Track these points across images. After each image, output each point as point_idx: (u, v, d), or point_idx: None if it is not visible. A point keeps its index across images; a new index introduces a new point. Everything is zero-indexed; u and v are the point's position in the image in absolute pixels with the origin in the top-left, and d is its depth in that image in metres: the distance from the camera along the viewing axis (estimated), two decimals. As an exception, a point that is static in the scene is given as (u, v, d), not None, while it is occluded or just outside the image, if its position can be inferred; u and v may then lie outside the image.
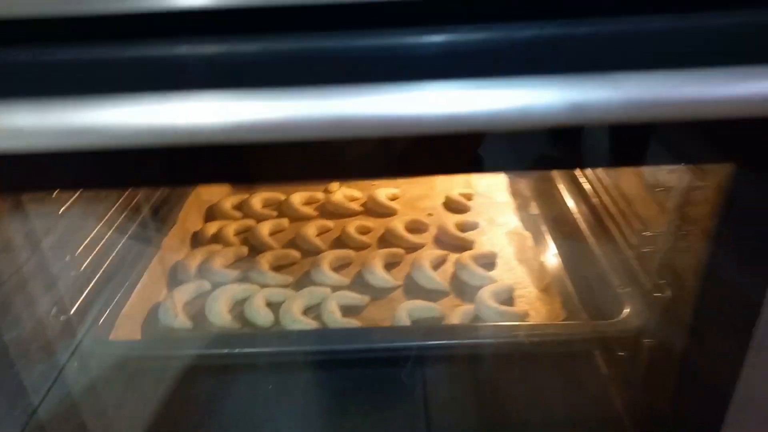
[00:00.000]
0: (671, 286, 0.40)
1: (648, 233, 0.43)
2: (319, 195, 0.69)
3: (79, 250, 0.48)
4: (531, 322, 0.48)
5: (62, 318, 0.44)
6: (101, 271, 0.51)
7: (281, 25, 0.25)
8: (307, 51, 0.25)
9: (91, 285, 0.48)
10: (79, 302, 0.46)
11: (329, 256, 0.57)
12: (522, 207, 0.65)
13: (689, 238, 0.37)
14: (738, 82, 0.23)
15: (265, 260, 0.57)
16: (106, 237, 0.52)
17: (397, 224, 0.61)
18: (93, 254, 0.49)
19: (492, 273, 0.55)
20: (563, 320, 0.47)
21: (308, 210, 0.66)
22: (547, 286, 0.52)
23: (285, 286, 0.55)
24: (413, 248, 0.59)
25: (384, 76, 0.24)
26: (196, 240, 0.62)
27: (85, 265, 0.48)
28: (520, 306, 0.51)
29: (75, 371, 0.45)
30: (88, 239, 0.49)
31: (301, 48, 0.25)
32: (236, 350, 0.44)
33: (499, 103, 0.23)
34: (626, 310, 0.43)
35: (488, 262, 0.57)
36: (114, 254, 0.53)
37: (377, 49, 0.24)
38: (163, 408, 0.45)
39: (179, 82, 0.24)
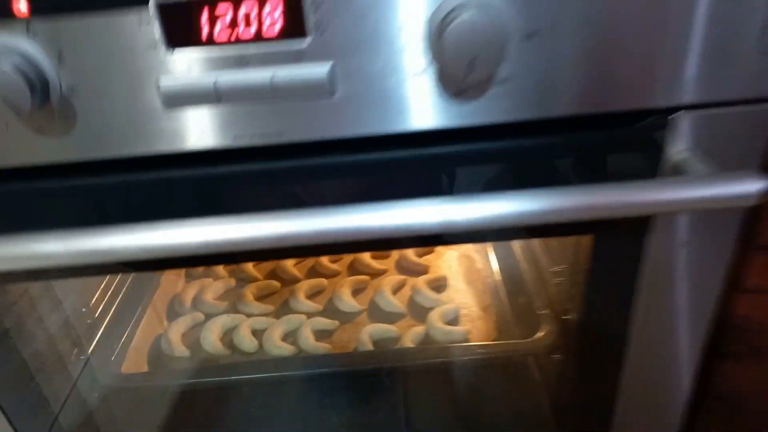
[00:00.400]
0: (573, 311, 0.50)
1: (556, 268, 0.53)
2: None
3: (93, 300, 0.57)
4: (470, 341, 0.58)
5: (82, 357, 0.54)
6: (111, 311, 0.60)
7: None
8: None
9: (103, 326, 0.58)
10: (93, 344, 0.56)
11: (304, 286, 0.66)
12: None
13: (579, 275, 0.47)
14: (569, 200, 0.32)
15: (249, 291, 0.66)
16: (115, 283, 0.62)
17: (364, 252, 0.71)
18: (104, 301, 0.59)
19: (443, 295, 0.64)
20: (495, 338, 0.57)
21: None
22: (487, 306, 0.62)
23: (267, 315, 0.64)
24: (377, 274, 0.69)
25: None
26: (190, 274, 0.72)
27: (98, 312, 0.57)
28: (464, 325, 0.61)
29: (88, 391, 0.55)
30: (100, 289, 0.58)
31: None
32: (227, 377, 0.54)
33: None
34: (541, 331, 0.53)
35: (440, 285, 0.66)
36: (121, 296, 0.63)
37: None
38: (169, 421, 0.55)
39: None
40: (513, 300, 0.61)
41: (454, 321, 0.61)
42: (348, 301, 0.64)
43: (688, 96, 0.32)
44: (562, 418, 0.52)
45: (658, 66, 0.31)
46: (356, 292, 0.66)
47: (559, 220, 0.31)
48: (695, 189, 0.30)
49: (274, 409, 0.56)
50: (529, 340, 0.53)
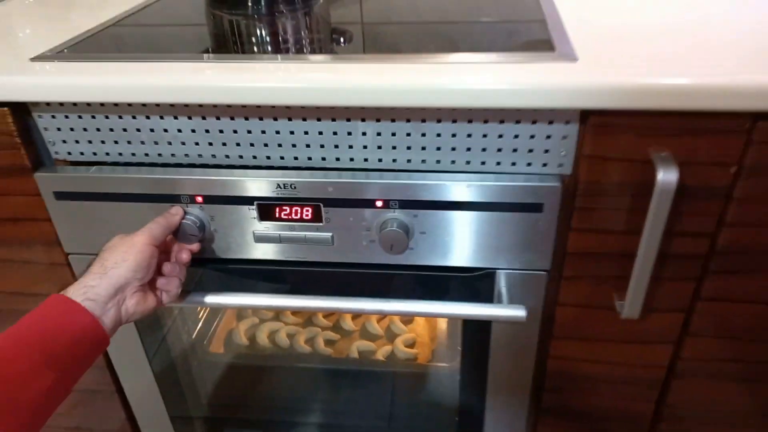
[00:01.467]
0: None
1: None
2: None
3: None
4: (417, 358, 0.93)
5: (189, 341, 0.93)
6: (205, 312, 0.99)
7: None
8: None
9: (199, 325, 0.97)
10: (195, 333, 0.95)
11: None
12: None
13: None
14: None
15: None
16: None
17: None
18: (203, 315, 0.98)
19: (408, 327, 1.00)
20: (430, 360, 0.92)
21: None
22: (433, 336, 0.97)
23: (297, 325, 1.01)
24: (371, 306, 1.05)
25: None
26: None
27: (200, 313, 0.96)
28: (416, 349, 0.96)
29: (193, 364, 0.94)
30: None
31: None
32: (268, 363, 0.92)
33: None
34: (456, 359, 0.88)
35: (409, 320, 1.02)
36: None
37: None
38: (232, 384, 0.93)
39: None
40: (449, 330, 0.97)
41: (411, 345, 0.97)
42: (349, 324, 1.00)
43: (501, 263, 0.66)
44: (462, 413, 0.87)
45: (483, 254, 0.66)
46: (355, 317, 1.02)
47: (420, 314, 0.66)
48: (489, 310, 0.65)
49: (295, 385, 0.94)
50: (447, 365, 0.89)
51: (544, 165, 0.61)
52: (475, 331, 0.74)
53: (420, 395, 0.90)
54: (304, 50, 0.70)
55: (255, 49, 0.72)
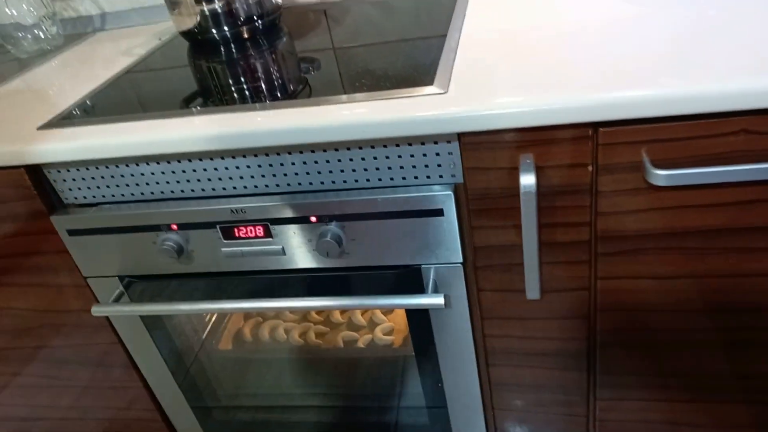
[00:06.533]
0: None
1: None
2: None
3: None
4: (394, 345, 1.07)
5: (199, 339, 1.10)
6: (212, 320, 1.16)
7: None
8: (260, 284, 0.86)
9: (208, 328, 1.14)
10: (205, 333, 1.12)
11: (316, 306, 1.18)
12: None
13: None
14: (373, 299, 0.80)
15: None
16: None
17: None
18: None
19: (388, 317, 1.13)
20: (400, 346, 1.05)
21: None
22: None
23: (294, 321, 1.17)
24: (358, 301, 1.19)
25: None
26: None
27: (208, 317, 1.13)
28: (392, 337, 1.09)
29: (202, 360, 1.11)
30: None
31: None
32: (270, 355, 1.08)
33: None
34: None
35: (389, 310, 1.15)
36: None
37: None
38: (240, 374, 1.10)
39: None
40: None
41: (389, 333, 1.10)
42: (337, 317, 1.15)
43: (422, 260, 0.79)
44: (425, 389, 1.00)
45: (406, 254, 0.78)
46: (342, 312, 1.17)
47: (356, 307, 0.80)
48: (412, 300, 0.77)
49: (291, 372, 1.09)
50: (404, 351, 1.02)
51: (440, 177, 0.73)
52: (418, 319, 0.87)
53: (392, 376, 1.04)
54: (264, 94, 0.83)
55: (229, 92, 0.85)
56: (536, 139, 0.66)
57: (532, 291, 0.74)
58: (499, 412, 0.95)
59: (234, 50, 1.00)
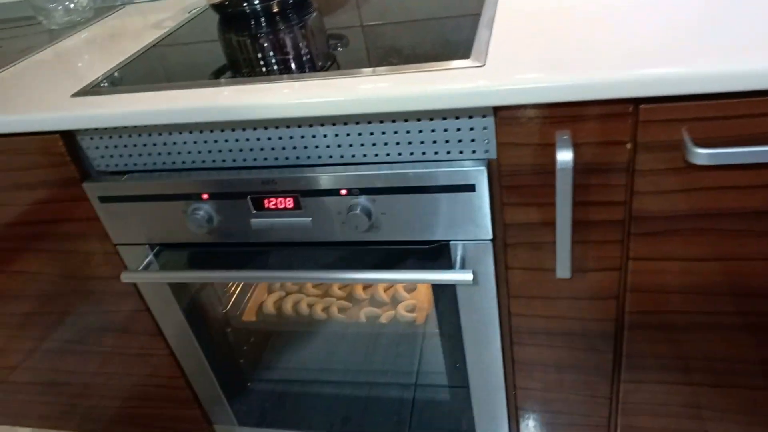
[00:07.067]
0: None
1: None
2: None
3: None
4: (416, 321, 1.07)
5: (224, 311, 1.11)
6: (239, 287, 1.17)
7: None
8: (288, 256, 0.86)
9: (234, 295, 1.15)
10: (229, 305, 1.13)
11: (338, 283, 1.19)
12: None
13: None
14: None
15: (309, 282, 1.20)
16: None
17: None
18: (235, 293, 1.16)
19: (411, 294, 1.13)
20: (422, 323, 1.06)
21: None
22: (431, 301, 1.10)
23: (317, 296, 1.17)
24: (381, 278, 1.19)
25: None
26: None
27: (232, 288, 1.14)
28: (415, 314, 1.09)
29: (226, 331, 1.12)
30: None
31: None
32: (292, 328, 1.09)
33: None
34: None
35: (413, 288, 1.15)
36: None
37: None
38: (262, 345, 1.11)
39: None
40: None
41: (412, 310, 1.10)
42: (359, 293, 1.15)
43: (451, 236, 0.79)
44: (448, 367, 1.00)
45: (435, 229, 0.78)
46: (366, 287, 1.17)
47: (383, 281, 0.80)
48: (441, 275, 0.77)
49: (315, 345, 1.10)
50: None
51: (473, 152, 0.72)
52: (444, 296, 0.87)
53: (413, 353, 1.04)
54: (291, 68, 0.83)
55: (257, 65, 0.85)
56: (574, 115, 0.65)
57: (563, 270, 0.74)
58: (521, 391, 0.95)
59: (263, 24, 0.99)
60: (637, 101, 0.63)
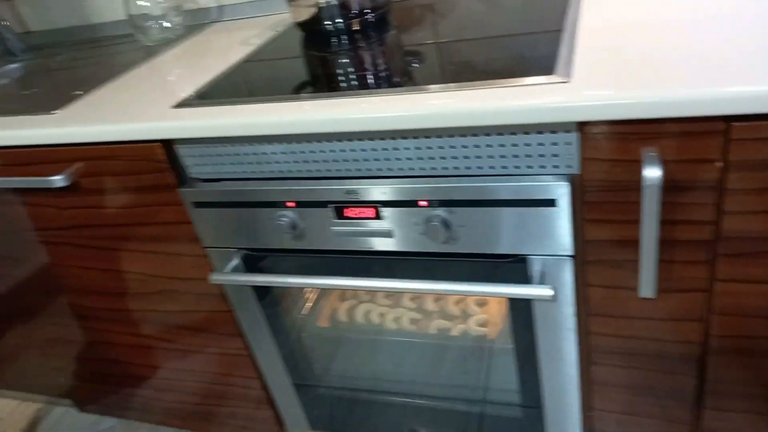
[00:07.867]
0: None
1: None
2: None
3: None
4: (486, 336, 1.07)
5: (301, 315, 1.15)
6: (317, 294, 1.21)
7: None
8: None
9: (306, 305, 1.19)
10: (305, 310, 1.17)
11: (409, 293, 1.20)
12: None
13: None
14: (477, 286, 0.81)
15: (381, 292, 1.23)
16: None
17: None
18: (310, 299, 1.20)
19: (482, 308, 1.13)
20: (494, 339, 1.05)
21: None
22: (502, 316, 1.10)
23: (388, 306, 1.19)
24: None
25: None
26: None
27: (309, 294, 1.18)
28: (486, 329, 1.09)
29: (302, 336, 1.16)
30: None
31: (365, 263, 0.89)
32: (363, 336, 1.11)
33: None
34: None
35: (484, 301, 1.15)
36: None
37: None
38: (335, 349, 1.14)
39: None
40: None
41: (483, 324, 1.10)
42: (430, 305, 1.16)
43: (530, 250, 0.79)
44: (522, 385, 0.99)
45: (514, 243, 0.78)
46: (437, 299, 1.18)
47: (461, 293, 0.81)
48: (520, 289, 0.78)
49: (384, 354, 1.12)
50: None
51: (555, 167, 0.72)
52: (519, 312, 0.87)
53: (484, 368, 1.04)
54: (371, 83, 0.86)
55: (339, 81, 0.89)
56: (661, 132, 0.64)
57: (647, 289, 0.73)
58: (597, 413, 0.93)
59: (345, 41, 1.03)
60: (728, 119, 0.61)
